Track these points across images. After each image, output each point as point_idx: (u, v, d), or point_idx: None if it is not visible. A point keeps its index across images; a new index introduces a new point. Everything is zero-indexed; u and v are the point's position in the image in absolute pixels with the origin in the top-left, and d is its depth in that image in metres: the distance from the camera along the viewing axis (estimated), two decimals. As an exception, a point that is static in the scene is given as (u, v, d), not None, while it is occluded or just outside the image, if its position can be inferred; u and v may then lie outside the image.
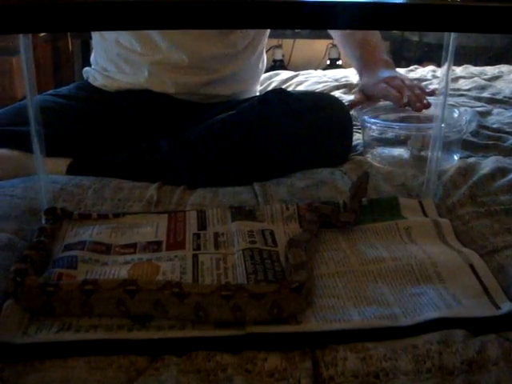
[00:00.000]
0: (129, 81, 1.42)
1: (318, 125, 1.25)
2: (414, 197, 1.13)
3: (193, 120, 1.36)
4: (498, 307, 0.82)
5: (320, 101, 1.30)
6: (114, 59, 1.43)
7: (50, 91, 1.47)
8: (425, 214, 1.07)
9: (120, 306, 0.79)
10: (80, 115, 1.38)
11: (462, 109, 1.61)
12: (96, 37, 1.48)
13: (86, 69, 1.52)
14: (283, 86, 1.99)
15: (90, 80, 1.48)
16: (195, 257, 0.93)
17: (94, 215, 1.05)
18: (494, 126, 1.51)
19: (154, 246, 0.96)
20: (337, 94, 1.90)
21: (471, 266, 0.90)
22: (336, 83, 2.04)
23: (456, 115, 1.34)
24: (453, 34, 0.98)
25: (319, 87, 1.98)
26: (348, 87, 1.99)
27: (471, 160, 1.26)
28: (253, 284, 0.84)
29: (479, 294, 0.85)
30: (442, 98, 1.06)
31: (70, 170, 1.26)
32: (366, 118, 1.32)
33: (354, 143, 1.39)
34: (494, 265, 0.92)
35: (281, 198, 1.13)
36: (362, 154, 1.35)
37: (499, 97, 1.81)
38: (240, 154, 1.21)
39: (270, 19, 0.60)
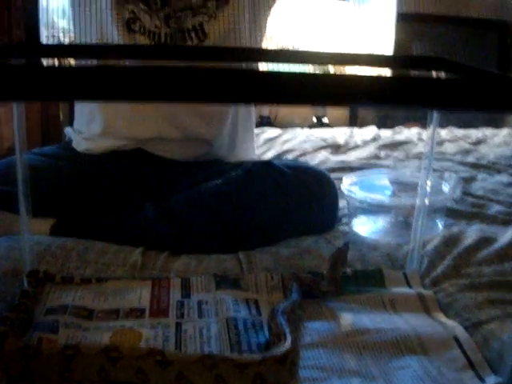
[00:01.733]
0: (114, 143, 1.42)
1: (304, 200, 1.27)
2: (399, 267, 1.14)
3: (180, 180, 1.36)
4: (482, 380, 0.81)
5: (306, 176, 1.31)
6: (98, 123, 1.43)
7: (35, 149, 1.46)
8: (409, 286, 1.07)
9: (101, 372, 0.77)
10: (64, 175, 1.37)
11: (447, 174, 1.63)
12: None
13: (68, 129, 1.52)
14: (270, 144, 2.01)
15: (74, 145, 1.47)
16: (178, 325, 0.92)
17: (76, 279, 1.04)
18: (478, 192, 1.53)
19: (137, 312, 0.95)
20: (323, 153, 1.93)
21: (456, 339, 0.90)
22: (322, 143, 2.07)
23: (442, 182, 1.36)
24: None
25: (306, 146, 2.00)
26: (334, 148, 2.02)
27: (455, 229, 1.27)
28: (237, 354, 0.83)
29: (464, 367, 0.84)
30: (427, 162, 1.07)
31: (54, 231, 1.25)
32: (347, 188, 1.33)
33: (341, 212, 1.40)
34: (478, 338, 0.91)
35: (265, 266, 1.12)
36: (347, 222, 1.35)
37: (483, 162, 1.84)
38: (225, 225, 1.22)
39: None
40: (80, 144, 1.46)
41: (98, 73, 0.54)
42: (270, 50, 1.07)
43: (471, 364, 0.85)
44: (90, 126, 1.44)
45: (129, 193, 1.37)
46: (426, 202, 1.09)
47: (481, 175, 1.72)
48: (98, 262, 1.13)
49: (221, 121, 1.43)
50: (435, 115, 1.02)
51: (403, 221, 1.30)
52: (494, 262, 1.14)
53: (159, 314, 0.95)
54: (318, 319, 0.96)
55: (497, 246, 1.20)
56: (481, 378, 0.82)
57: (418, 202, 1.10)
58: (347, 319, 0.96)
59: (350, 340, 0.90)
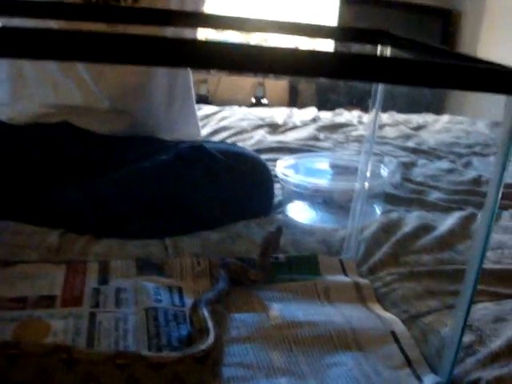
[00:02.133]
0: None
1: (238, 188, 1.19)
2: (335, 254, 1.07)
3: (108, 158, 1.26)
4: (420, 380, 0.76)
5: (240, 163, 1.23)
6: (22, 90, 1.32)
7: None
8: (345, 274, 1.01)
9: (-3, 372, 0.68)
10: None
11: (387, 158, 1.58)
12: None
13: None
14: (206, 121, 1.93)
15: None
16: (92, 315, 0.83)
17: (-20, 262, 0.94)
18: (418, 178, 1.48)
19: (46, 301, 0.86)
20: (261, 132, 1.86)
21: (393, 334, 0.84)
22: (260, 122, 2.00)
23: (381, 166, 1.30)
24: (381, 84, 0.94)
25: (243, 124, 1.92)
26: (273, 127, 1.95)
27: (394, 215, 1.21)
28: (153, 352, 0.75)
29: (401, 365, 0.79)
30: (368, 145, 1.01)
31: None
32: (282, 172, 1.26)
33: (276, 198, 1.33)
34: (416, 332, 0.86)
35: (193, 251, 1.04)
36: (282, 207, 1.28)
37: (424, 147, 1.81)
38: (151, 210, 1.13)
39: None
40: (1, 112, 1.34)
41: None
42: (208, 15, 0.98)
43: (408, 361, 0.79)
44: (12, 89, 1.32)
45: (52, 169, 1.26)
46: (366, 186, 1.03)
47: (421, 161, 1.67)
48: (11, 243, 1.03)
49: (143, 93, 1.33)
50: (378, 97, 0.96)
51: (340, 206, 1.24)
52: (434, 251, 1.09)
53: (71, 303, 0.86)
54: (246, 310, 0.88)
55: (437, 233, 1.15)
56: (418, 378, 0.76)
57: (357, 186, 1.04)
58: (278, 310, 0.89)
59: (280, 334, 0.83)
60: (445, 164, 1.66)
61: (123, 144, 1.31)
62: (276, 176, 1.29)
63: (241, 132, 1.88)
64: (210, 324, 0.76)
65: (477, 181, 1.53)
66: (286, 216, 1.23)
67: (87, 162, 1.28)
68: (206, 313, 0.79)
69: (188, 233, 1.12)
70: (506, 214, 1.30)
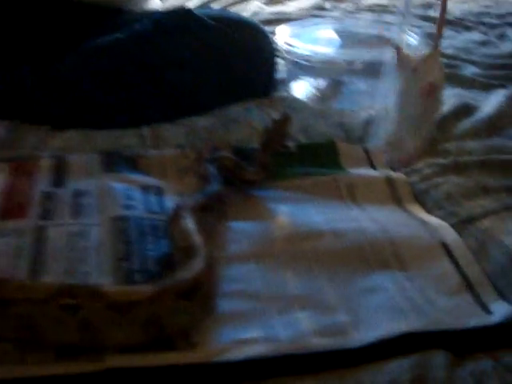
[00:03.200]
0: None
1: (232, 60, 0.96)
2: (356, 141, 0.85)
3: (69, 31, 1.01)
4: (487, 310, 0.55)
5: (235, 30, 0.99)
6: None
7: None
8: (372, 166, 0.79)
9: None
10: None
11: (411, 30, 1.33)
12: None
13: None
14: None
15: None
16: (40, 230, 0.62)
17: None
18: (448, 51, 1.23)
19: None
20: (256, 3, 1.62)
21: (444, 246, 0.63)
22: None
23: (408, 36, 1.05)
24: None
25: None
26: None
27: (427, 94, 0.98)
28: (120, 280, 0.54)
29: (458, 289, 0.58)
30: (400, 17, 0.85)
31: None
32: (284, 42, 1.02)
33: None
34: (471, 242, 0.65)
35: (177, 141, 0.83)
36: (285, 86, 1.05)
37: (449, 17, 1.54)
38: (125, 92, 0.91)
39: None
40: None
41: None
42: None
43: (468, 283, 0.59)
44: None
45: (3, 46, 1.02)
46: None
47: (448, 32, 1.42)
48: None
49: None
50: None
51: (358, 81, 1.00)
52: (481, 136, 0.87)
53: (14, 214, 0.65)
54: (248, 218, 0.67)
55: (481, 115, 0.93)
56: (484, 306, 0.56)
57: (387, 56, 0.80)
58: (290, 216, 0.68)
59: (296, 248, 0.62)
60: (476, 35, 1.42)
61: (87, 13, 1.06)
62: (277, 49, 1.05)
63: (233, 3, 1.63)
64: (198, 240, 0.55)
65: (516, 54, 1.28)
66: (293, 97, 0.99)
67: (45, 36, 1.02)
68: (190, 224, 0.57)
69: (171, 119, 0.90)
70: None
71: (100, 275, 0.56)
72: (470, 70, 1.14)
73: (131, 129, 0.87)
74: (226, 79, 0.96)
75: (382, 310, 0.54)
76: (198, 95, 0.94)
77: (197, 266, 0.51)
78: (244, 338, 0.50)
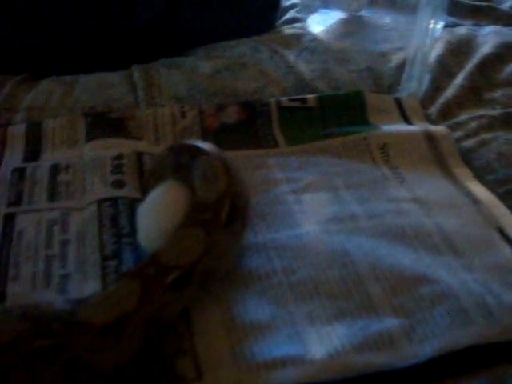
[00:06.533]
0: None
1: None
2: (386, 91, 0.72)
3: None
4: None
5: None
6: None
7: None
8: (406, 120, 0.66)
9: None
10: None
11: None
12: None
13: None
14: None
15: None
16: (9, 219, 0.50)
17: None
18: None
19: None
20: None
21: (500, 231, 0.51)
22: None
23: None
24: None
25: None
26: None
27: (462, 30, 0.84)
28: (109, 285, 0.43)
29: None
30: None
31: None
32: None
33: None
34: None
35: (175, 92, 0.70)
36: (298, 18, 0.91)
37: None
38: (107, 25, 0.77)
39: None
40: None
41: None
42: None
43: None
44: None
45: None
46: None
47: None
48: None
49: None
50: None
51: (383, 16, 0.87)
52: (530, 80, 0.74)
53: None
54: (261, 189, 0.55)
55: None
56: None
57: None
58: (311, 190, 0.55)
59: (322, 228, 0.50)
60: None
61: None
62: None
63: None
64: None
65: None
66: (309, 34, 0.85)
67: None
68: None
69: (164, 55, 0.77)
70: None
71: (83, 278, 0.45)
72: (509, 4, 0.99)
73: (120, 74, 0.74)
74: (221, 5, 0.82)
75: (439, 309, 0.43)
76: (190, 23, 0.81)
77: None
78: (267, 359, 0.39)
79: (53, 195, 0.53)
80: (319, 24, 0.88)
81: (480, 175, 0.59)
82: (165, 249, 0.40)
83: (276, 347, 0.40)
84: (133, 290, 0.37)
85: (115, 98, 0.69)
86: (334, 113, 0.66)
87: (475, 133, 0.64)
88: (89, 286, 0.44)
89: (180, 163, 0.47)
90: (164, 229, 0.43)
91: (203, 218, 0.42)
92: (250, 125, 0.63)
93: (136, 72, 0.74)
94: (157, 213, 0.45)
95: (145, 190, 0.48)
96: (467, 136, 0.64)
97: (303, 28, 0.87)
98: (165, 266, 0.39)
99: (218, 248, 0.41)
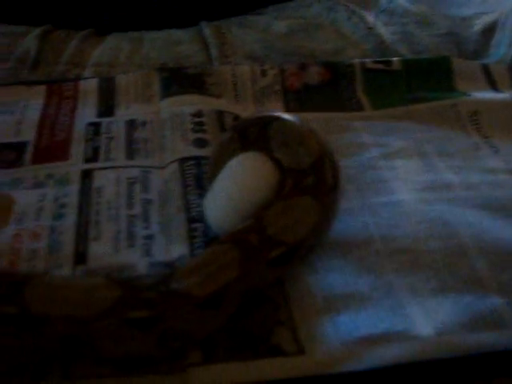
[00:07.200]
0: None
1: None
2: (471, 56, 0.68)
3: None
4: None
5: None
6: None
7: None
8: (494, 87, 0.62)
9: None
10: None
11: None
12: None
13: None
14: None
15: None
16: (87, 176, 0.47)
17: None
18: None
19: (9, 153, 0.50)
20: None
21: None
22: None
23: None
24: None
25: None
26: None
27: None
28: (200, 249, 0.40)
29: None
30: None
31: None
32: None
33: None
34: None
35: (249, 51, 0.67)
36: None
37: None
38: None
39: None
40: None
41: None
42: None
43: None
44: None
45: None
46: None
47: None
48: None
49: None
50: None
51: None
52: None
53: (51, 156, 0.50)
54: (352, 152, 0.52)
55: None
56: None
57: None
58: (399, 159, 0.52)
59: (417, 197, 0.47)
60: None
61: None
62: None
63: None
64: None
65: None
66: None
67: None
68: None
69: (235, 13, 0.75)
70: None
71: (168, 241, 0.42)
72: None
73: (188, 31, 0.71)
74: None
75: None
76: None
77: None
78: (371, 333, 0.36)
79: (130, 152, 0.50)
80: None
81: None
82: (273, 217, 0.37)
83: (379, 320, 0.37)
84: (233, 258, 0.35)
85: (186, 54, 0.66)
86: (419, 77, 0.62)
87: None
88: (175, 249, 0.41)
89: (249, 140, 0.43)
90: (247, 205, 0.39)
91: (306, 185, 0.38)
92: (334, 86, 0.59)
93: (206, 29, 0.71)
94: (239, 186, 0.41)
95: (209, 180, 0.43)
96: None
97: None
98: (271, 239, 0.36)
99: (329, 216, 0.38)
